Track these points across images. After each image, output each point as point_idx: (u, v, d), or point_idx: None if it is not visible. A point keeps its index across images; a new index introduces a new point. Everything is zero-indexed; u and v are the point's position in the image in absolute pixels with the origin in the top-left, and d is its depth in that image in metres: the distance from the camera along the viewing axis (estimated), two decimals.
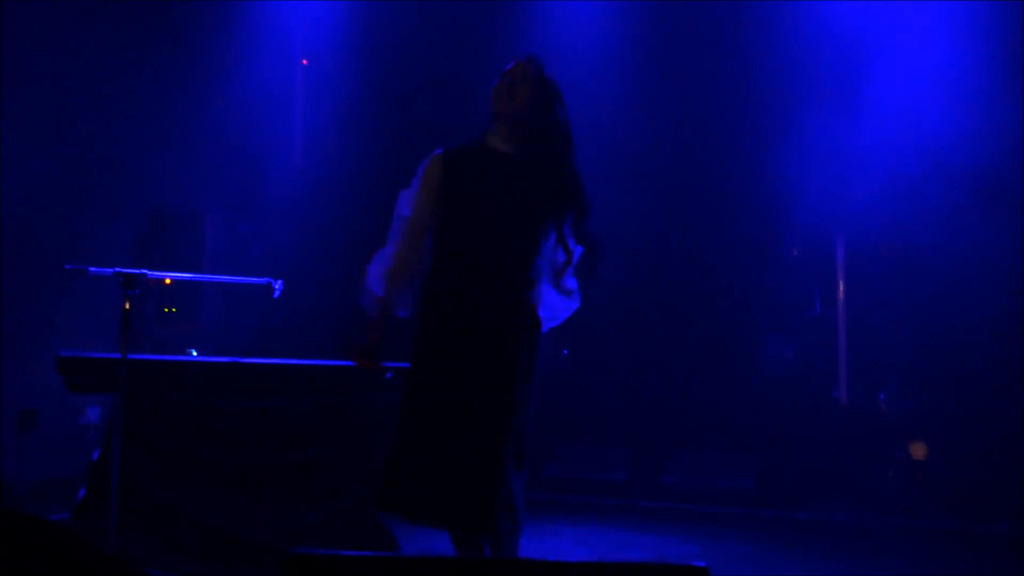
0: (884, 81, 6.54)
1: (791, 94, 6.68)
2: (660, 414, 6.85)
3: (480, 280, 3.10)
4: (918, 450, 6.06)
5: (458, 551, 3.14)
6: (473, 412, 3.03)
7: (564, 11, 7.38)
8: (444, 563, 1.88)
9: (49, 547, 2.07)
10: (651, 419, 6.85)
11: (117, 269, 3.83)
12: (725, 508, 6.18)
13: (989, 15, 6.24)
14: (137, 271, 3.85)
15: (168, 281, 6.71)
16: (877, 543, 5.38)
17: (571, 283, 3.28)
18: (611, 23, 7.29)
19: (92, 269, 3.84)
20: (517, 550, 3.11)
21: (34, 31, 6.40)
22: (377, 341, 3.18)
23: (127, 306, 3.79)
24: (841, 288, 6.78)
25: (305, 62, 7.92)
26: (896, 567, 4.81)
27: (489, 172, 3.16)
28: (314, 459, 4.30)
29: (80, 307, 6.52)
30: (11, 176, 5.73)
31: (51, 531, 2.09)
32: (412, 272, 3.20)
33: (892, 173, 6.46)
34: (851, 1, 6.65)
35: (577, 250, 3.24)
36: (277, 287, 4.12)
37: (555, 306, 3.27)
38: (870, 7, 6.65)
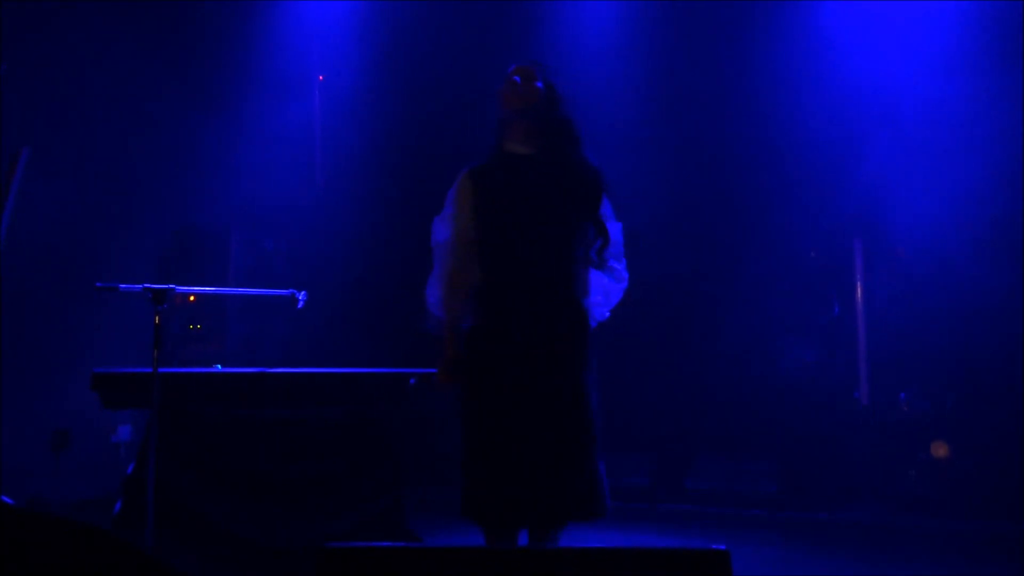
0: (902, 81, 6.59)
1: (805, 99, 6.73)
2: (681, 419, 6.88)
3: (528, 281, 3.21)
4: (940, 449, 6.07)
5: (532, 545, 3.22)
6: (550, 408, 3.14)
7: (582, 16, 7.44)
8: (474, 553, 1.94)
9: (99, 553, 2.13)
10: (673, 424, 6.88)
11: (146, 285, 3.94)
12: (748, 510, 6.21)
13: None
14: (165, 286, 3.95)
15: (192, 298, 6.84)
16: (900, 543, 5.39)
17: (616, 263, 3.39)
18: (629, 22, 7.34)
19: (122, 286, 3.95)
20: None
21: (60, 57, 6.54)
22: (453, 357, 3.28)
23: (157, 321, 3.89)
24: (859, 289, 6.80)
25: (321, 78, 8.03)
26: (919, 567, 4.82)
27: (515, 177, 3.27)
28: (342, 467, 4.38)
29: (107, 329, 6.63)
30: (39, 198, 5.85)
31: (101, 537, 2.16)
32: (466, 288, 3.32)
33: (908, 172, 6.51)
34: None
35: (616, 228, 3.36)
36: (301, 298, 4.20)
37: (607, 289, 3.39)
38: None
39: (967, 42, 6.35)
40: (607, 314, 3.43)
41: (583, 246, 3.28)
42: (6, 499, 3.90)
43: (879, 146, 6.61)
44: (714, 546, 1.87)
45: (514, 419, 3.14)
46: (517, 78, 3.32)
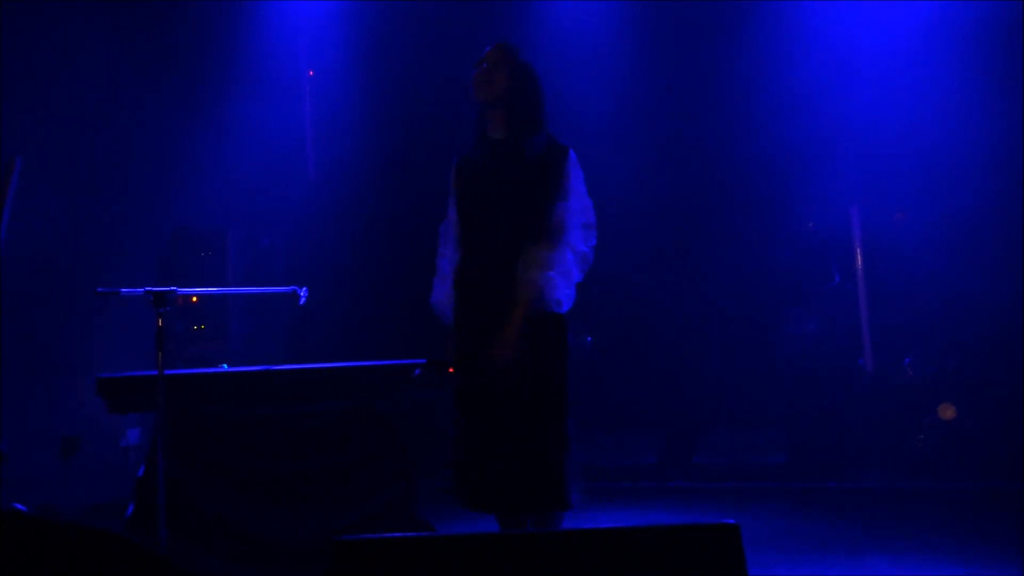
0: (890, 54, 6.59)
1: (800, 73, 6.73)
2: (688, 396, 6.90)
3: (493, 263, 3.22)
4: (947, 411, 6.08)
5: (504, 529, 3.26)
6: (524, 397, 3.15)
7: (573, 13, 7.43)
8: (484, 539, 1.95)
9: (114, 556, 2.14)
10: (679, 401, 6.90)
11: (147, 288, 3.94)
12: (757, 482, 6.23)
13: None
14: (166, 288, 3.95)
15: (195, 299, 6.84)
16: (910, 507, 5.42)
17: (584, 243, 3.32)
18: (625, 18, 7.32)
19: (123, 290, 3.94)
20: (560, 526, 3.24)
21: (51, 63, 6.53)
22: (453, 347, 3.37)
23: (160, 323, 3.88)
24: (859, 257, 6.80)
25: (311, 72, 8.01)
26: (930, 530, 4.83)
27: (487, 162, 3.30)
28: (350, 460, 4.38)
29: (110, 333, 6.64)
30: (34, 207, 5.85)
31: (116, 541, 2.16)
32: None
33: (903, 140, 6.50)
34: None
35: (587, 205, 3.31)
36: (302, 294, 4.20)
37: (572, 267, 3.29)
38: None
39: (961, 27, 6.35)
40: (572, 291, 3.26)
41: (546, 226, 3.18)
42: (19, 506, 3.91)
43: (872, 119, 6.61)
44: (724, 520, 1.87)
45: (475, 410, 3.20)
46: (484, 66, 3.31)
